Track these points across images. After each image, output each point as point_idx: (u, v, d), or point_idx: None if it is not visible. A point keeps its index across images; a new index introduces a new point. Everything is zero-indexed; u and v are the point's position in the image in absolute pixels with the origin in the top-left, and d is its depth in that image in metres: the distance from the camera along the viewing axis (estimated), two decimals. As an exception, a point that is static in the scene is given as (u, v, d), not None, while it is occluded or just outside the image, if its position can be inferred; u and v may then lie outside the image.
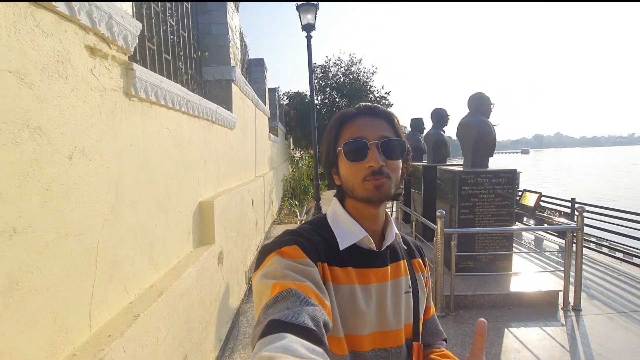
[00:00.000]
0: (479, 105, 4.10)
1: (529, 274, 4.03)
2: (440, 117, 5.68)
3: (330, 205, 0.80)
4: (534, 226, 5.27)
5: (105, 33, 1.31)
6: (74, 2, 1.13)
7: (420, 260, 0.84)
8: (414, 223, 4.51)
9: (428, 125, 6.43)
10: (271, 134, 7.95)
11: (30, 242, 0.98)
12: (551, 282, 3.85)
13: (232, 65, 3.77)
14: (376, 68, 14.50)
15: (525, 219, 5.57)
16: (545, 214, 5.60)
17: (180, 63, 2.97)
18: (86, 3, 1.20)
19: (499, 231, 3.86)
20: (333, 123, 0.75)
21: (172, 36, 2.86)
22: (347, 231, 0.72)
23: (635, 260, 4.80)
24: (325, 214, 0.79)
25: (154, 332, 1.52)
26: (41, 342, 1.03)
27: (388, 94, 14.57)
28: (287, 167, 12.15)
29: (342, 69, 14.73)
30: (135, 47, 2.15)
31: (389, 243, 0.75)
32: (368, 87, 14.45)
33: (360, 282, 0.69)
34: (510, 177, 3.91)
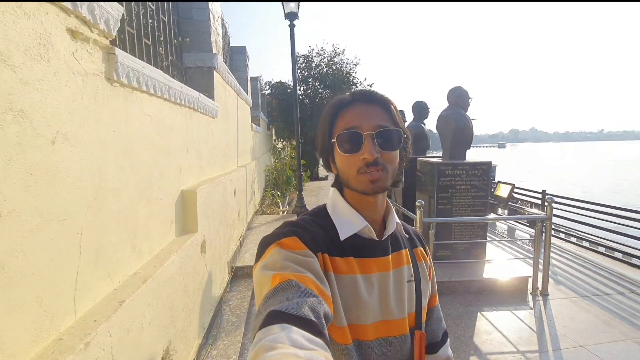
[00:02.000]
0: (458, 98, 4.22)
1: (501, 262, 4.24)
2: (420, 109, 5.79)
3: (330, 195, 0.78)
4: (507, 216, 5.52)
5: (86, 16, 1.29)
6: (55, -17, 1.11)
7: (421, 249, 0.84)
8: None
9: (409, 117, 6.55)
10: (253, 124, 7.89)
11: (15, 226, 0.98)
12: (522, 269, 4.06)
13: (213, 52, 3.71)
14: (359, 59, 14.54)
15: (499, 210, 5.82)
16: (518, 205, 5.88)
17: (160, 48, 2.91)
18: (67, -16, 1.17)
19: (475, 220, 4.02)
20: (327, 111, 0.73)
21: (151, 20, 2.79)
22: (347, 221, 0.71)
23: (599, 248, 5.12)
24: (325, 205, 0.78)
25: (138, 318, 1.53)
26: (27, 326, 1.03)
27: (371, 85, 14.65)
28: (269, 157, 12.09)
29: (325, 60, 14.67)
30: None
31: (390, 232, 0.75)
32: (351, 78, 14.47)
33: (361, 272, 0.69)
34: (486, 169, 4.06)
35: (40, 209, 1.08)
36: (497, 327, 3.10)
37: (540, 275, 3.86)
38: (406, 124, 7.29)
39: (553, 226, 5.04)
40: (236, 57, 7.28)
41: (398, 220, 0.78)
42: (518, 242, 5.41)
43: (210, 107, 3.45)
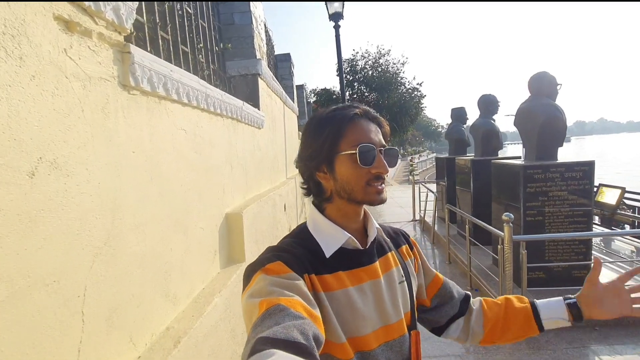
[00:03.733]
0: (543, 86, 3.48)
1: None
2: (488, 103, 5.05)
3: (309, 214, 0.77)
4: (620, 230, 4.50)
5: (84, 1, 0.95)
6: (29, -51, 0.78)
7: (406, 246, 0.85)
8: (467, 226, 3.96)
9: (472, 115, 5.81)
10: (300, 133, 7.59)
11: (-42, 310, 0.63)
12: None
13: (257, 57, 3.41)
14: (407, 58, 13.81)
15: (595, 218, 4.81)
16: (628, 213, 4.77)
17: (200, 56, 2.64)
18: (52, -45, 0.84)
19: (581, 236, 3.24)
20: (337, 121, 0.70)
21: (189, 26, 2.53)
22: (330, 236, 0.71)
23: None
24: (305, 224, 0.76)
25: (168, 397, 1.16)
26: None
27: (420, 84, 13.83)
28: (317, 166, 11.77)
29: (369, 62, 14.15)
30: (146, 36, 1.83)
31: (373, 238, 0.75)
32: (398, 78, 13.78)
33: (352, 284, 0.69)
34: (587, 170, 3.27)
35: (11, 274, 0.73)
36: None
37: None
38: (469, 122, 6.52)
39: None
40: (281, 65, 7.06)
41: (377, 225, 0.78)
42: (636, 261, 4.38)
43: (255, 117, 3.12)
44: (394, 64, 13.89)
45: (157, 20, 2.01)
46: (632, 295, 0.75)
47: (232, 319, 1.89)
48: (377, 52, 14.20)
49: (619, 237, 5.20)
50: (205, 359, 1.49)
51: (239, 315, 2.03)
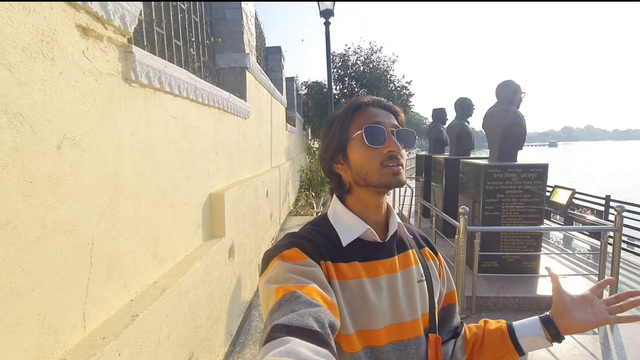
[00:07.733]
0: (508, 94, 3.82)
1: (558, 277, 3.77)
2: (464, 107, 5.38)
3: (331, 203, 0.78)
4: (566, 226, 4.94)
5: (98, 12, 1.21)
6: (61, -25, 1.03)
7: (428, 249, 0.83)
8: (434, 218, 4.31)
9: (451, 115, 6.14)
10: (288, 124, 7.83)
11: (10, 239, 0.90)
12: (583, 286, 3.59)
13: (246, 52, 3.64)
14: (397, 56, 14.08)
15: (554, 216, 5.24)
16: (577, 212, 5.24)
17: (191, 49, 2.87)
18: (77, -23, 1.09)
19: (528, 230, 3.61)
20: (344, 110, 0.73)
21: (183, 21, 2.75)
22: (349, 226, 0.71)
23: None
24: (327, 213, 0.77)
25: (154, 332, 1.44)
26: (26, 346, 0.95)
27: (409, 83, 14.14)
28: (304, 157, 12.03)
29: (361, 58, 14.37)
30: (143, 31, 2.07)
31: (393, 232, 0.74)
32: (388, 76, 14.06)
33: (368, 275, 0.68)
34: (541, 172, 3.64)
35: (43, 220, 1.00)
36: (555, 355, 2.73)
37: (606, 294, 3.38)
38: (448, 122, 6.87)
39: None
40: (271, 58, 7.26)
41: (400, 221, 0.78)
42: (578, 255, 4.83)
43: (241, 107, 3.37)
44: (385, 61, 14.16)
45: (154, 17, 2.24)
46: (609, 306, 0.71)
47: (211, 284, 2.17)
48: (370, 49, 14.43)
49: (579, 236, 5.66)
50: (185, 311, 1.78)
51: (218, 281, 2.31)
